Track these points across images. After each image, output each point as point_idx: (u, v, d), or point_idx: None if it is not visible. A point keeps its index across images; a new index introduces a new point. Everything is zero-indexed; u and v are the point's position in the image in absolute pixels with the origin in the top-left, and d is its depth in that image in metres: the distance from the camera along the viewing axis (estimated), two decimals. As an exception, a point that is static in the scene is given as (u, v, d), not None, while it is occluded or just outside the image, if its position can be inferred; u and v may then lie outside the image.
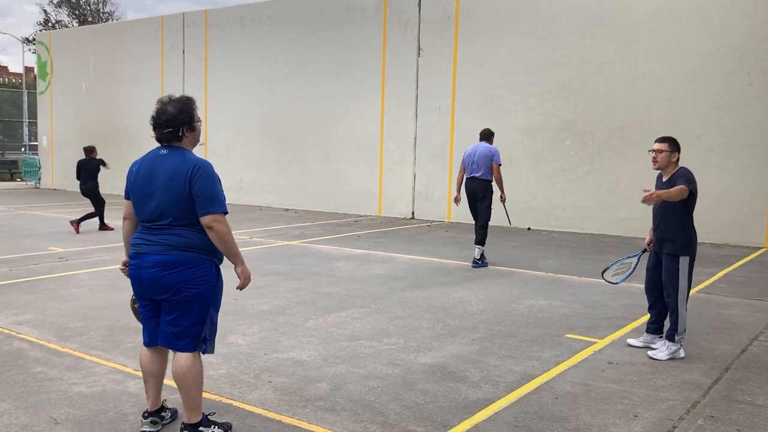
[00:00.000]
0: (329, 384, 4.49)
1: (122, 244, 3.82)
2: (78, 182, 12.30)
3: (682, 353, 5.20)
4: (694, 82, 12.04)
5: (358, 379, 4.60)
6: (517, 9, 13.81)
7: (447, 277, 8.34)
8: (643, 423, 3.95)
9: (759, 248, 11.36)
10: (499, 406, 4.16)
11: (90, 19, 50.11)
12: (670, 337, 5.22)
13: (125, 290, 3.82)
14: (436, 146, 15.04)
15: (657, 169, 5.35)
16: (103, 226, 12.23)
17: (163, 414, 3.76)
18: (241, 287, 3.61)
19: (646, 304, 5.58)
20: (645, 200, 4.89)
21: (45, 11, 54.46)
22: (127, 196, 3.63)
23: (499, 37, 14.04)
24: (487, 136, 9.36)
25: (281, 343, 5.43)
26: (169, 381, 3.96)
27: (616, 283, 5.73)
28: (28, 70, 47.33)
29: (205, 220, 3.42)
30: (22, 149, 35.53)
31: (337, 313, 6.44)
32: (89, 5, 51.67)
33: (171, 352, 3.62)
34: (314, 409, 4.07)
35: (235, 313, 6.27)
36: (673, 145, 5.27)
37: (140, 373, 3.92)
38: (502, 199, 9.36)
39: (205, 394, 4.08)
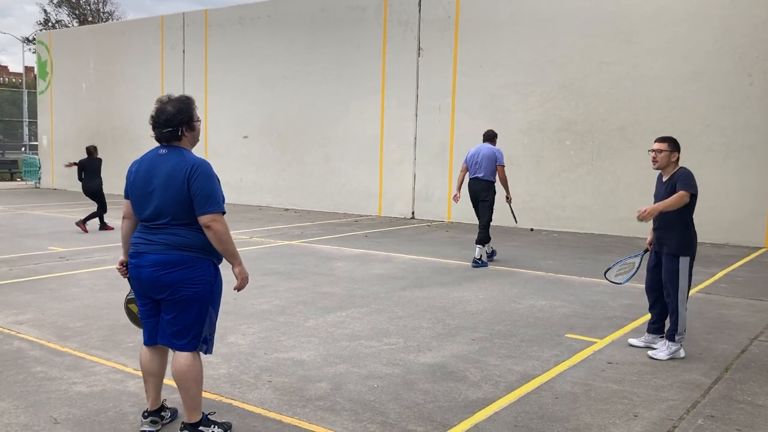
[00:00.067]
0: (329, 384, 4.49)
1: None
2: (79, 182, 12.33)
3: (682, 353, 5.20)
4: (695, 82, 12.04)
5: (358, 378, 4.60)
6: (517, 9, 13.81)
7: (447, 277, 8.34)
8: (643, 423, 3.95)
9: (759, 248, 11.35)
10: (499, 406, 4.16)
11: (90, 18, 50.11)
12: (670, 337, 5.22)
13: (125, 290, 3.81)
14: (436, 146, 15.04)
15: (657, 168, 5.36)
16: (104, 226, 12.27)
17: (163, 413, 3.76)
18: (238, 288, 3.61)
19: (647, 303, 5.58)
20: (641, 218, 4.96)
21: (45, 11, 54.49)
22: (127, 196, 3.63)
23: (499, 37, 14.04)
24: (490, 137, 9.44)
25: (281, 342, 5.43)
26: (169, 380, 3.96)
27: (621, 284, 5.71)
28: (28, 69, 47.33)
29: (203, 219, 3.42)
30: (22, 149, 35.53)
31: (337, 312, 6.44)
32: (89, 5, 51.68)
33: (171, 352, 3.62)
34: (314, 408, 4.07)
35: (235, 312, 6.27)
36: (673, 144, 5.27)
37: (140, 373, 3.92)
38: (508, 199, 9.48)
39: (205, 394, 4.08)
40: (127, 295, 3.82)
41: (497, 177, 9.17)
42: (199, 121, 3.63)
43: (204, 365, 3.78)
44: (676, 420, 4.00)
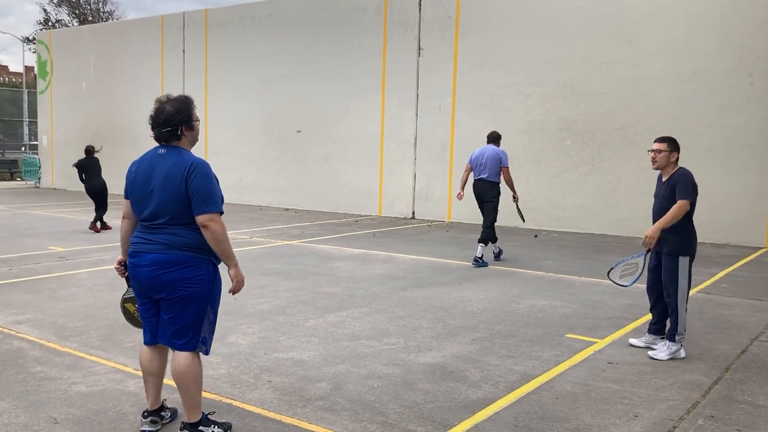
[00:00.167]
0: (329, 384, 4.49)
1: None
2: (80, 183, 12.35)
3: (682, 353, 5.20)
4: (695, 81, 12.03)
5: (358, 378, 4.60)
6: (517, 9, 13.80)
7: (447, 277, 8.34)
8: (644, 423, 3.95)
9: (759, 248, 11.35)
10: (499, 406, 4.15)
11: (90, 18, 50.09)
12: (671, 337, 5.21)
13: (124, 289, 3.81)
14: (436, 146, 15.03)
15: (656, 168, 5.35)
16: (103, 226, 12.25)
17: (162, 413, 3.76)
18: (233, 291, 3.59)
19: (647, 304, 5.58)
20: (646, 244, 5.14)
21: (45, 11, 54.35)
22: (127, 196, 3.63)
23: (499, 36, 14.03)
24: (494, 138, 9.51)
25: (281, 342, 5.42)
26: (168, 380, 3.95)
27: (627, 286, 5.52)
28: (29, 69, 47.31)
29: (200, 219, 3.41)
30: (22, 148, 35.55)
31: (337, 312, 6.44)
32: (89, 4, 51.66)
33: (171, 352, 3.62)
34: (314, 408, 4.07)
35: (235, 312, 6.27)
36: (672, 144, 5.27)
37: (140, 373, 3.92)
38: (515, 199, 9.57)
39: (204, 394, 4.08)
40: (124, 295, 3.82)
41: (502, 178, 9.23)
42: (198, 120, 3.63)
43: (204, 365, 3.78)
44: (676, 420, 3.99)
